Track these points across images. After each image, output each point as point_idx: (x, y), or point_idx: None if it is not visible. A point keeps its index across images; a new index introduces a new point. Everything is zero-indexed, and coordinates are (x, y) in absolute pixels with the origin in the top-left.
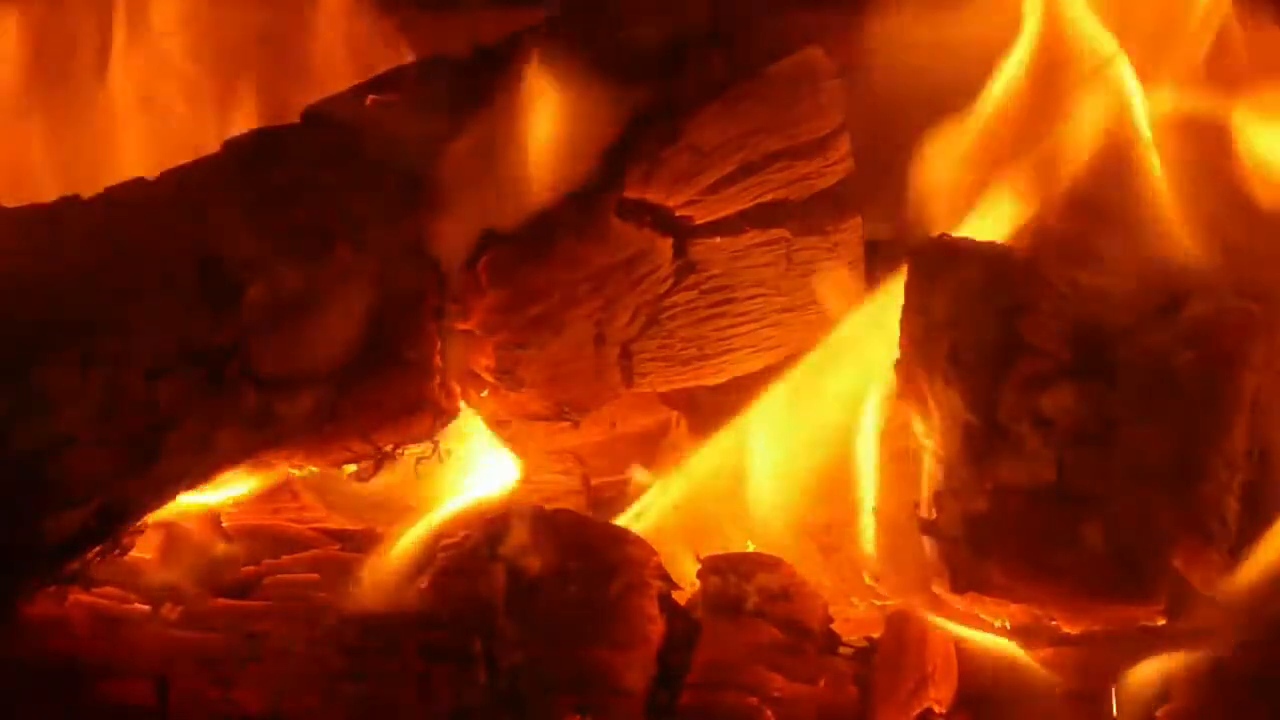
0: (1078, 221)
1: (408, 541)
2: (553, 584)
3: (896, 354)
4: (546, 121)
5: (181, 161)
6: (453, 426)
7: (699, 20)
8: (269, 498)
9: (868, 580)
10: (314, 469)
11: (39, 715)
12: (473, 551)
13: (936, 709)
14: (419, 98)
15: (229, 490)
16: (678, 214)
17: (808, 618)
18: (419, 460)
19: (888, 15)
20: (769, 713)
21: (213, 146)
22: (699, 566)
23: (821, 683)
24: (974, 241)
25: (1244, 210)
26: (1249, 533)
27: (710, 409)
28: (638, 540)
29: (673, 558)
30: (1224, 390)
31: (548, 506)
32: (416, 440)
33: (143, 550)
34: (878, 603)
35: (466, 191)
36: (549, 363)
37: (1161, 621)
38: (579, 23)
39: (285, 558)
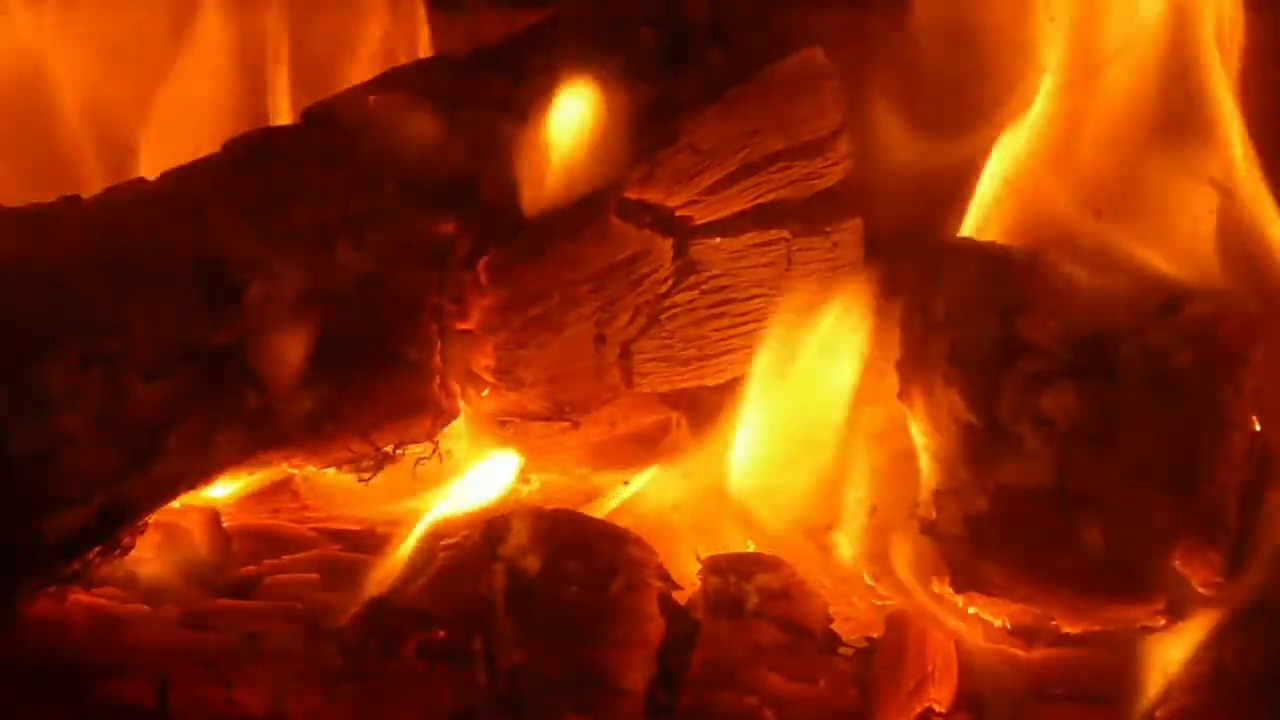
0: (1080, 221)
1: (408, 541)
2: (553, 584)
3: (897, 354)
4: (546, 121)
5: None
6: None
7: (699, 20)
8: (269, 498)
9: (868, 580)
10: (314, 469)
11: (39, 715)
12: (473, 551)
13: (936, 709)
14: (419, 98)
15: (229, 490)
16: (678, 214)
17: (808, 618)
18: (419, 460)
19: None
20: (769, 713)
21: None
22: (699, 566)
23: (821, 683)
24: (974, 241)
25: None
26: (1249, 533)
27: (710, 409)
28: (638, 540)
29: (673, 558)
30: (1224, 390)
31: (548, 506)
32: (416, 440)
33: (143, 550)
34: (878, 603)
35: (467, 191)
36: (549, 363)
37: (1161, 621)
38: (579, 23)
39: (285, 558)
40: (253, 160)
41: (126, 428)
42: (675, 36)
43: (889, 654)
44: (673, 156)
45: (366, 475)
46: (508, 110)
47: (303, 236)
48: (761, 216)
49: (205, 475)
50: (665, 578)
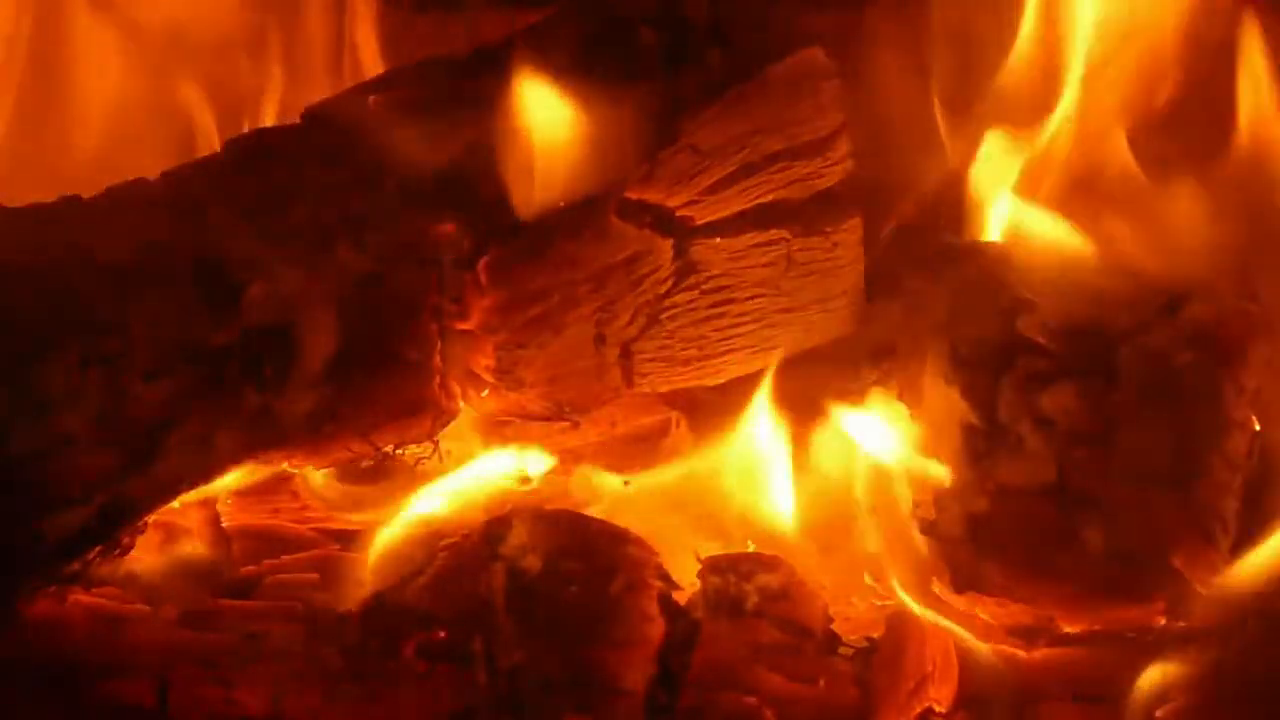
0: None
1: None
2: (553, 584)
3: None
4: (546, 121)
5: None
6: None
7: (699, 20)
8: (269, 498)
9: (868, 580)
10: (314, 469)
11: (39, 715)
12: (473, 551)
13: (936, 709)
14: (419, 98)
15: (229, 489)
16: (678, 214)
17: (808, 618)
18: (419, 460)
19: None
20: (769, 713)
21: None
22: (699, 566)
23: (821, 683)
24: (974, 241)
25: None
26: (1249, 533)
27: (710, 409)
28: (638, 540)
29: (673, 558)
30: (1224, 390)
31: (547, 507)
32: (416, 440)
33: (143, 550)
34: (878, 603)
35: (466, 191)
36: (549, 363)
37: (1161, 621)
38: (579, 22)
39: (285, 558)
40: (253, 160)
41: (126, 428)
42: (675, 36)
43: (889, 654)
44: (673, 156)
45: (367, 476)
46: (507, 110)
47: (303, 236)
48: (761, 217)
49: (205, 475)
50: (665, 578)
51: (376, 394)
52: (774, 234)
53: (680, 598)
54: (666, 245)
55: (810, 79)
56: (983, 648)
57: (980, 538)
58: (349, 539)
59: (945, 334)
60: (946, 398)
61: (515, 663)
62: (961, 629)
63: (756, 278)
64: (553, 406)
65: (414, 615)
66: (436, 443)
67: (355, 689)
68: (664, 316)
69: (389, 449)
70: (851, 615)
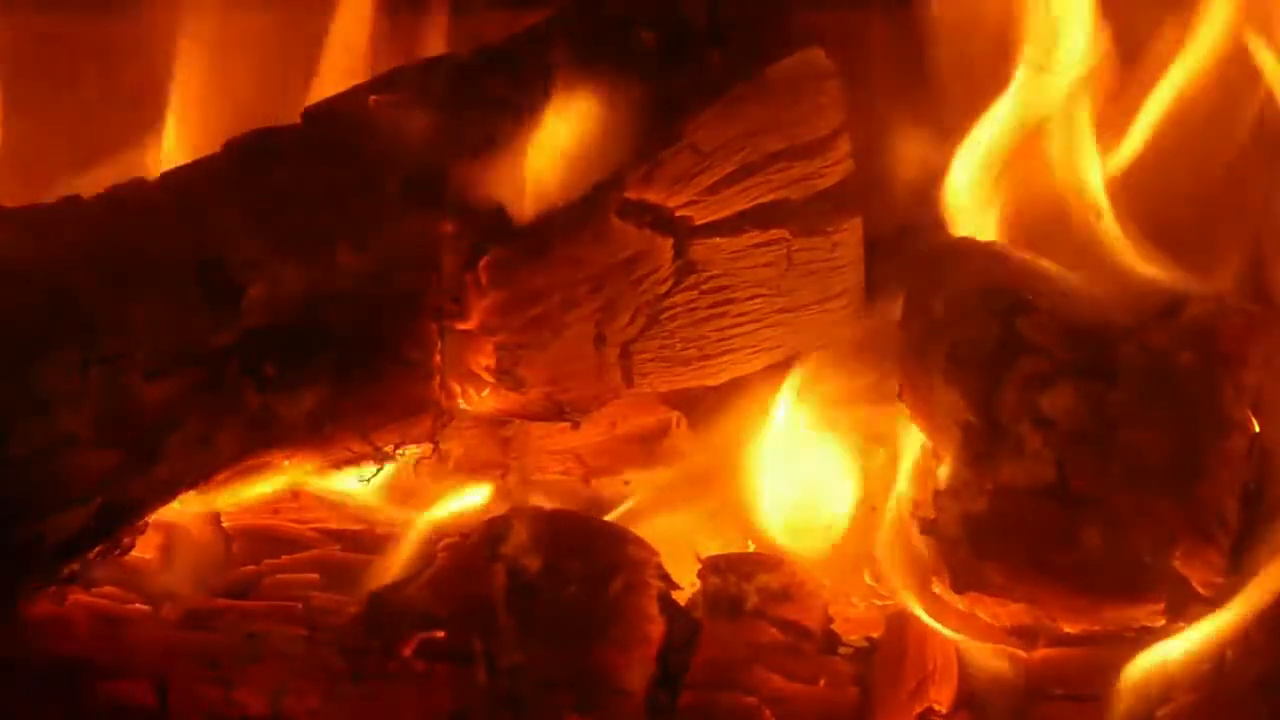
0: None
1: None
2: (553, 584)
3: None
4: (546, 121)
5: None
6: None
7: (698, 20)
8: (269, 497)
9: (868, 580)
10: (314, 469)
11: (39, 715)
12: (473, 551)
13: (937, 709)
14: (419, 98)
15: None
16: (678, 214)
17: (808, 618)
18: (419, 460)
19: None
20: (769, 713)
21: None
22: (699, 566)
23: (821, 683)
24: (974, 241)
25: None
26: (1249, 533)
27: (710, 409)
28: (638, 540)
29: (673, 558)
30: (1224, 390)
31: (547, 507)
32: (417, 440)
33: (143, 550)
34: (878, 603)
35: (467, 191)
36: (549, 363)
37: (1161, 621)
38: (579, 23)
39: (285, 558)
40: (253, 160)
41: (127, 428)
42: (675, 36)
43: (889, 654)
44: (673, 156)
45: (367, 475)
46: (507, 110)
47: (303, 236)
48: (761, 216)
49: (206, 475)
50: (665, 578)
51: (376, 394)
52: (774, 233)
53: (680, 598)
54: (666, 245)
55: (810, 79)
56: (983, 648)
57: (980, 538)
58: (349, 539)
59: (945, 334)
60: (946, 398)
61: (515, 663)
62: (961, 630)
63: (756, 278)
64: (553, 406)
65: (414, 615)
66: (436, 443)
67: (355, 689)
68: (664, 316)
69: (389, 449)
70: (851, 615)
